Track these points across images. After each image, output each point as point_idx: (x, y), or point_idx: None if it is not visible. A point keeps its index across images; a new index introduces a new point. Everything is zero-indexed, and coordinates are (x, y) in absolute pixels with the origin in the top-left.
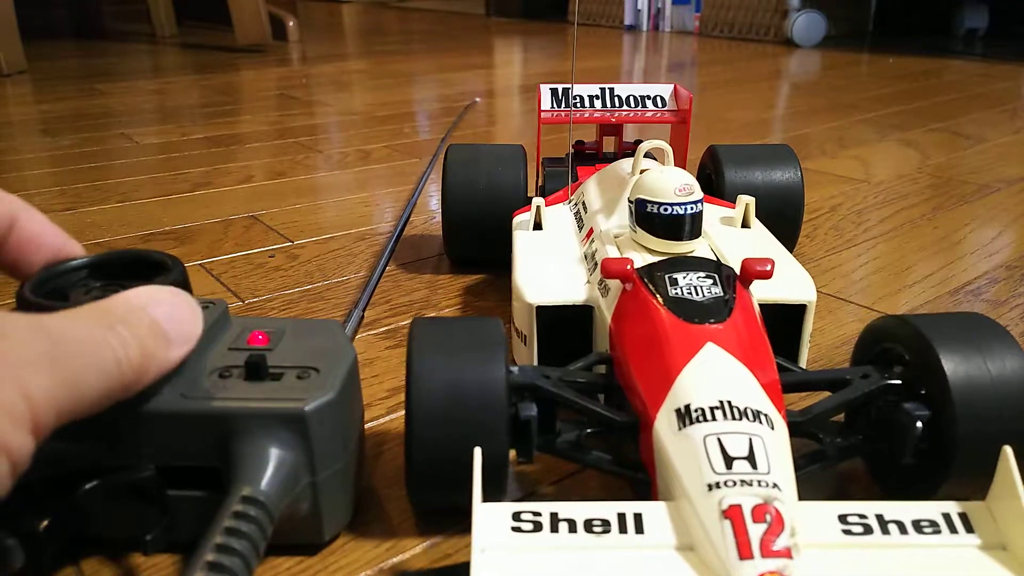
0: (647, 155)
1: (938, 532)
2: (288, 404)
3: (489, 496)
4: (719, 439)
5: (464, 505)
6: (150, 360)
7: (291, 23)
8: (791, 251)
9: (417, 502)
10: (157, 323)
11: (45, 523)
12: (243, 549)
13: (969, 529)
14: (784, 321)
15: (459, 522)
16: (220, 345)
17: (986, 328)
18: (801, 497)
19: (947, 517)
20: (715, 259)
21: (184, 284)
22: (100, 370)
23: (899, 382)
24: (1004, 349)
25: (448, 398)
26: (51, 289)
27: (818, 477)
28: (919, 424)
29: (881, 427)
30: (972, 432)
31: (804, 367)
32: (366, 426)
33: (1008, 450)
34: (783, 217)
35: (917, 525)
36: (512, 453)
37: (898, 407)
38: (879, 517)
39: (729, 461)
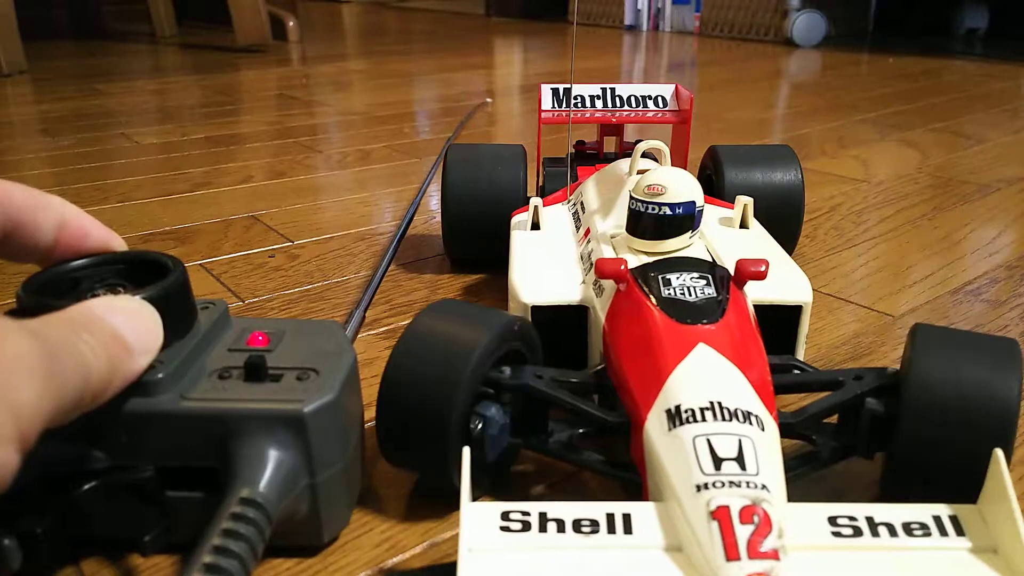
0: (646, 155)
1: (928, 535)
2: (287, 405)
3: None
4: (708, 440)
5: (424, 476)
6: (115, 370)
7: (291, 23)
8: (791, 251)
9: (387, 460)
10: (118, 332)
11: (44, 524)
12: (240, 551)
13: (960, 532)
14: (780, 322)
15: (459, 523)
16: (220, 346)
17: (997, 349)
18: (793, 499)
19: (938, 520)
20: (709, 260)
21: (185, 286)
22: (80, 379)
23: (890, 384)
24: (997, 372)
25: (416, 373)
26: (51, 291)
27: (810, 479)
28: (871, 418)
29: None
30: (917, 432)
31: (803, 361)
32: (366, 425)
33: (999, 453)
34: (783, 217)
35: (907, 528)
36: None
37: (862, 405)
38: (869, 519)
39: (718, 462)
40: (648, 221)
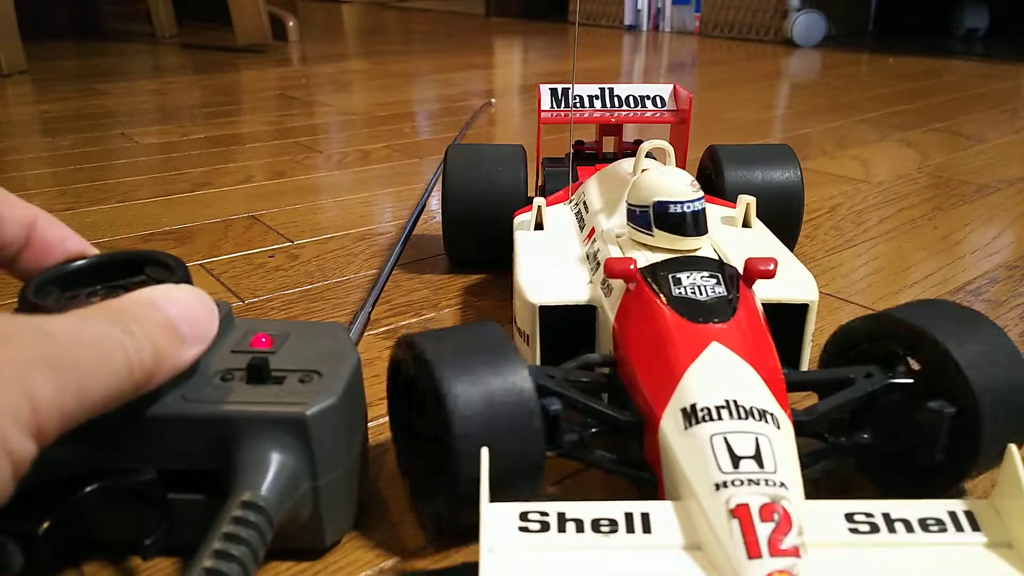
0: (648, 155)
1: (944, 530)
2: (290, 408)
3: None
4: (726, 438)
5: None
6: (163, 360)
7: (291, 23)
8: (791, 251)
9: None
10: (171, 322)
11: (45, 526)
12: (242, 555)
13: (975, 527)
14: (786, 321)
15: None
16: (223, 347)
17: (963, 314)
18: (808, 496)
19: (953, 515)
20: (718, 259)
21: (188, 283)
22: (109, 373)
23: (905, 380)
24: (993, 334)
25: (483, 415)
26: (53, 291)
27: (823, 476)
28: (948, 420)
29: (899, 427)
30: (996, 427)
31: (806, 367)
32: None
33: (1013, 448)
34: (783, 217)
35: (923, 523)
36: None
37: (920, 406)
38: (885, 516)
39: (736, 460)
40: (697, 218)
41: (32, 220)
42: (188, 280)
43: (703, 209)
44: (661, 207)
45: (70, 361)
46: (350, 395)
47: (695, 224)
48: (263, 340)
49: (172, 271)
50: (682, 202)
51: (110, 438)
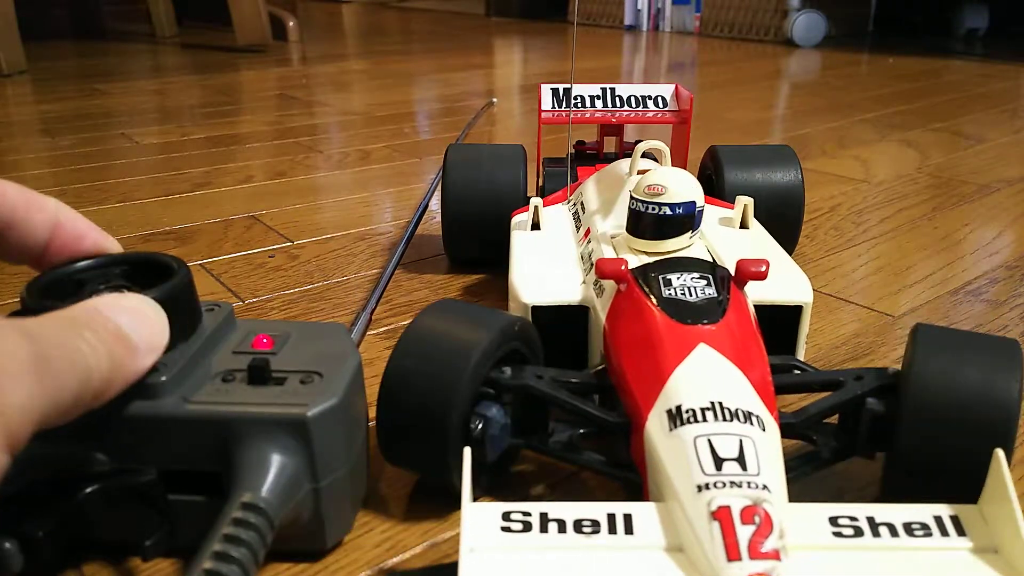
0: (646, 155)
1: (929, 535)
2: (291, 409)
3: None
4: (709, 440)
5: (424, 476)
6: (117, 369)
7: (291, 23)
8: (791, 251)
9: (387, 459)
10: (122, 331)
11: (45, 527)
12: (242, 557)
13: (961, 532)
14: (781, 322)
15: (459, 523)
16: (224, 348)
17: (997, 349)
18: (794, 499)
19: (939, 520)
20: (710, 260)
21: (189, 286)
22: (78, 378)
23: (890, 384)
24: (997, 372)
25: (418, 371)
26: (55, 292)
27: (811, 479)
28: (872, 417)
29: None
30: (918, 432)
31: (803, 361)
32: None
33: (1000, 453)
34: (783, 217)
35: (908, 528)
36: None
37: (863, 405)
38: (870, 519)
39: (719, 462)
40: (648, 221)
41: (55, 220)
42: (191, 281)
43: (670, 215)
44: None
45: (46, 366)
46: (351, 396)
47: (653, 226)
48: (264, 341)
49: (175, 273)
50: (644, 202)
51: (112, 438)
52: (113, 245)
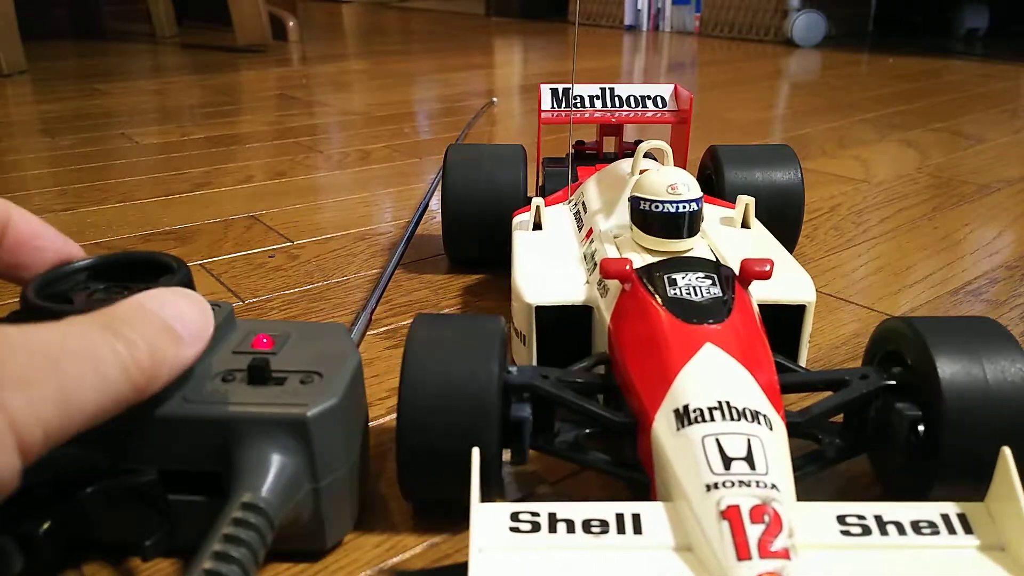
0: (647, 155)
1: (937, 533)
2: (290, 410)
3: (483, 495)
4: (717, 440)
5: (454, 500)
6: (161, 361)
7: (291, 23)
8: (791, 251)
9: (408, 497)
10: (167, 323)
11: (45, 527)
12: (241, 557)
13: (968, 530)
14: (783, 321)
15: (459, 522)
16: (224, 348)
17: (990, 332)
18: (800, 498)
19: (946, 518)
20: (714, 259)
21: (189, 286)
22: (100, 380)
23: (896, 383)
24: (1004, 353)
25: (439, 396)
26: (54, 292)
27: (817, 477)
28: (911, 423)
29: (878, 428)
30: (962, 433)
31: (804, 367)
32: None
33: (1007, 451)
34: (783, 217)
35: (916, 526)
36: (507, 454)
37: (892, 407)
38: (878, 518)
39: (727, 462)
40: (671, 220)
41: (5, 218)
42: (190, 281)
43: (680, 213)
44: (635, 203)
45: (54, 372)
46: (351, 396)
47: (665, 225)
48: (264, 341)
49: (174, 272)
50: (653, 201)
51: (111, 439)
52: (77, 251)
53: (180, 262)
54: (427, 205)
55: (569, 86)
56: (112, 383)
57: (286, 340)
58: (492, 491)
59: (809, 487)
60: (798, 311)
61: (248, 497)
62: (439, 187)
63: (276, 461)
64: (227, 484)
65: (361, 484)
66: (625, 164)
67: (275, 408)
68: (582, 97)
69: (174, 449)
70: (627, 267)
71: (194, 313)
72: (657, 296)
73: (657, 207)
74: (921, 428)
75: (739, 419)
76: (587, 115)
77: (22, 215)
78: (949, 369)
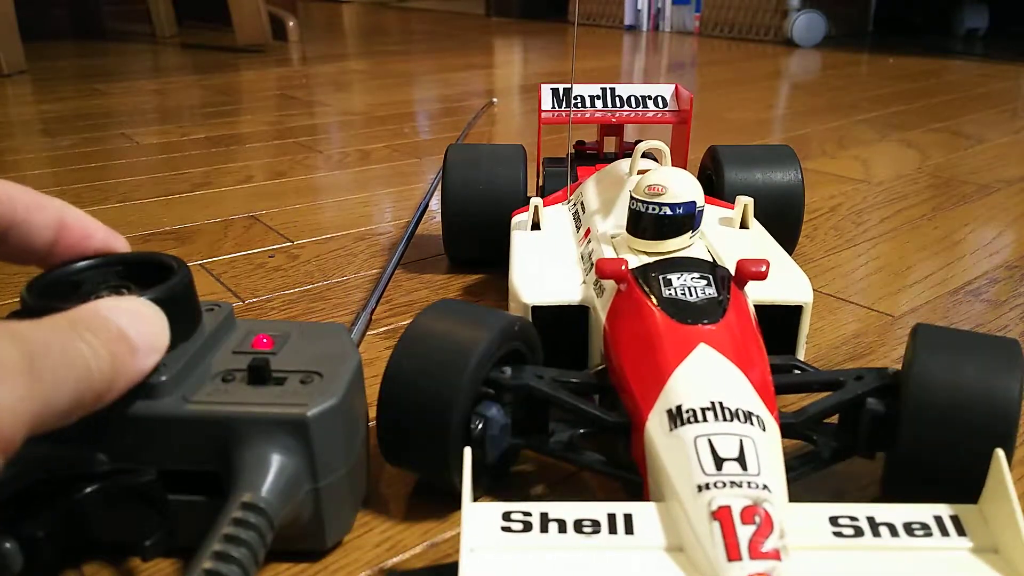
0: (646, 155)
1: (929, 535)
2: (290, 409)
3: (456, 467)
4: (710, 440)
5: (424, 476)
6: (119, 370)
7: (291, 23)
8: (791, 251)
9: (387, 460)
10: (123, 332)
11: (45, 527)
12: (241, 557)
13: (961, 532)
14: (781, 322)
15: (460, 523)
16: (224, 348)
17: (1001, 349)
18: (794, 498)
19: (939, 520)
20: (710, 260)
21: (189, 287)
22: (76, 379)
23: (890, 384)
24: (999, 366)
25: (417, 372)
26: (55, 291)
27: (812, 478)
28: (872, 417)
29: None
30: (918, 432)
31: (804, 361)
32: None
33: (1000, 453)
34: (783, 217)
35: (908, 528)
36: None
37: (863, 405)
38: (870, 519)
39: (719, 462)
40: (648, 221)
41: (59, 220)
42: (190, 281)
43: (670, 215)
44: (630, 203)
45: (40, 368)
46: (351, 396)
47: (652, 226)
48: (264, 341)
49: (175, 272)
50: (635, 200)
51: (112, 438)
52: (122, 244)
53: (180, 262)
54: (427, 205)
55: (569, 86)
56: (83, 385)
57: (286, 340)
58: (450, 469)
59: (803, 488)
60: (795, 312)
61: (248, 497)
62: (439, 187)
63: (276, 461)
64: (227, 484)
65: (361, 484)
66: (623, 164)
67: (275, 408)
68: (582, 97)
69: (174, 449)
70: (623, 267)
71: (150, 323)
72: (652, 296)
73: (636, 207)
74: (876, 420)
75: (732, 420)
76: (587, 115)
77: (75, 215)
78: (925, 371)
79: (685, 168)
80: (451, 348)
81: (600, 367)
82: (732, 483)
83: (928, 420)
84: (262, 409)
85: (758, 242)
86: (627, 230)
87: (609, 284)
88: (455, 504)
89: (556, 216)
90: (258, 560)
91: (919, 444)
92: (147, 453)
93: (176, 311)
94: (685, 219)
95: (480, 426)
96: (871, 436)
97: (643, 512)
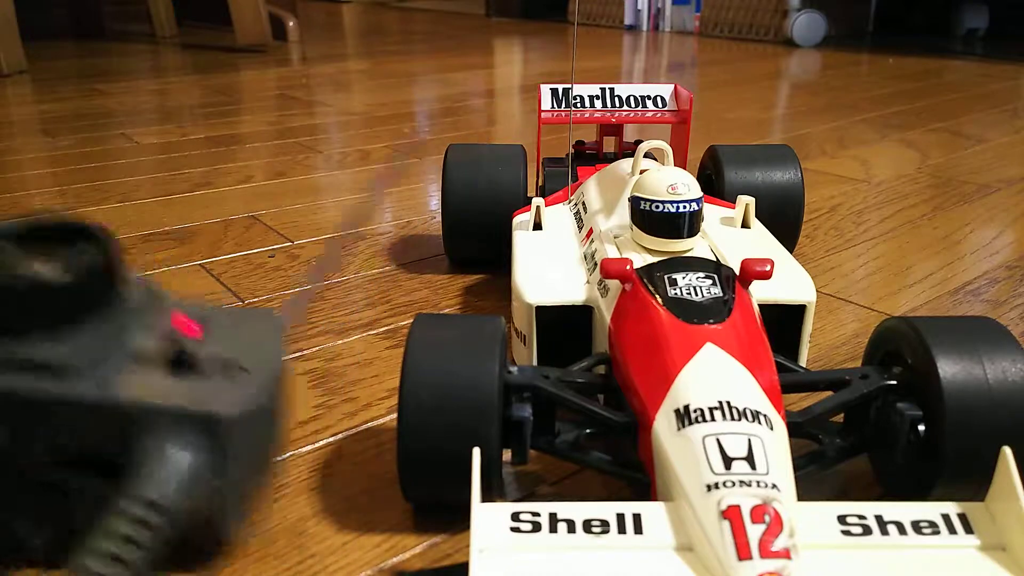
0: (647, 155)
1: (937, 533)
2: (208, 407)
3: (484, 496)
4: (718, 439)
5: (454, 501)
6: None
7: (291, 23)
8: (791, 251)
9: (409, 498)
10: None
11: None
12: (136, 559)
13: (968, 530)
14: (784, 321)
15: (459, 522)
16: (146, 331)
17: (989, 332)
18: (801, 497)
19: (946, 518)
20: (715, 259)
21: (107, 259)
22: None
23: (896, 383)
24: (1004, 353)
25: (439, 397)
26: None
27: (818, 477)
28: (911, 423)
29: (878, 427)
30: (962, 432)
31: (804, 367)
32: (366, 426)
33: (1007, 451)
34: (783, 217)
35: (916, 526)
36: (508, 454)
37: (893, 407)
38: (878, 518)
39: (728, 462)
40: (672, 220)
41: None
42: (112, 252)
43: (680, 213)
44: (635, 203)
45: None
46: (270, 393)
47: (664, 225)
48: (190, 326)
49: (95, 239)
50: (653, 201)
51: (12, 419)
52: None
53: (105, 231)
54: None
55: (569, 86)
56: None
57: (214, 326)
58: (493, 491)
59: (810, 487)
60: (798, 311)
61: (147, 492)
62: (439, 187)
63: (181, 457)
64: (128, 475)
65: (266, 478)
66: (625, 164)
67: (191, 403)
68: (582, 97)
69: (77, 434)
70: (627, 267)
71: None
72: (657, 296)
73: (657, 207)
74: (922, 428)
75: (740, 419)
76: (587, 115)
77: None
78: (950, 369)
79: (685, 168)
80: (470, 365)
81: (596, 362)
82: (741, 482)
83: (971, 424)
84: (176, 401)
85: (760, 242)
86: (642, 230)
87: (614, 284)
88: (454, 505)
89: (557, 216)
90: (155, 557)
91: (964, 444)
92: (46, 434)
93: (86, 285)
94: (700, 216)
95: (519, 428)
96: (909, 442)
97: (652, 512)
